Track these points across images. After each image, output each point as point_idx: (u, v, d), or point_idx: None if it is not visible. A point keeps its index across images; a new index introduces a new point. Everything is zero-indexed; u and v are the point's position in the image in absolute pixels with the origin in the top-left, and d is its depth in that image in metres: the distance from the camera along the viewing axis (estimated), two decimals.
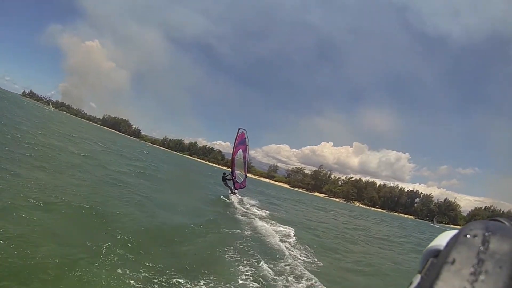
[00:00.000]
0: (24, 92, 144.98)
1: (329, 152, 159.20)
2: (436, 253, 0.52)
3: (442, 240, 0.53)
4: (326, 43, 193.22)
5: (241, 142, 25.99)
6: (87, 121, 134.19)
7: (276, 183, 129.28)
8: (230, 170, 25.15)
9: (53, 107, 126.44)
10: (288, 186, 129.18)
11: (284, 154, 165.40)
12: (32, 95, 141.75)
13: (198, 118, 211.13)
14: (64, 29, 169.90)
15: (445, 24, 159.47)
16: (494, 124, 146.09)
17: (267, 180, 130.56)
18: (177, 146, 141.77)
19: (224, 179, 24.88)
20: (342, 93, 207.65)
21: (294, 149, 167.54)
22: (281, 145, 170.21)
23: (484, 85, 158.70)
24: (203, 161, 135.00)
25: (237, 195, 24.57)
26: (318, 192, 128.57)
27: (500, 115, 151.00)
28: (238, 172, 25.63)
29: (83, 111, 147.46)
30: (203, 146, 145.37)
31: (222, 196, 23.45)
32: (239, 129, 25.50)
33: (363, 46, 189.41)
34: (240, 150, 26.18)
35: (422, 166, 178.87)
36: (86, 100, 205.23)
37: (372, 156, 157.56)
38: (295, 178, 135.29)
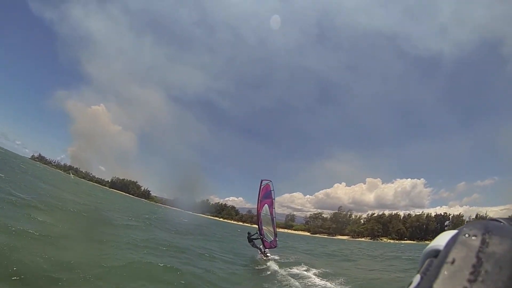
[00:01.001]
0: (33, 155, 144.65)
1: (343, 193, 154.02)
2: (435, 253, 0.51)
3: (441, 240, 0.52)
4: (325, 85, 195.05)
5: (266, 195, 23.14)
6: (96, 184, 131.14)
7: (296, 232, 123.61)
8: (257, 227, 21.89)
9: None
10: (308, 234, 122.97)
11: (298, 202, 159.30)
12: (41, 159, 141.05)
13: (208, 175, 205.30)
14: (70, 94, 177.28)
15: (435, 43, 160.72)
16: (502, 128, 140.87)
17: (285, 230, 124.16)
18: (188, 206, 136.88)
19: (250, 239, 21.69)
20: (348, 132, 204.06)
21: (308, 196, 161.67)
22: (294, 193, 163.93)
23: (484, 93, 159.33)
24: (216, 218, 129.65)
25: (269, 255, 20.62)
26: (341, 235, 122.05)
27: (506, 117, 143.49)
28: (265, 229, 22.39)
29: (91, 174, 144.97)
30: (216, 203, 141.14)
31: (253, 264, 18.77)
32: (262, 181, 22.81)
33: (362, 82, 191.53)
34: (266, 205, 23.12)
35: (440, 188, 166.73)
36: (95, 163, 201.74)
37: (387, 188, 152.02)
38: (314, 224, 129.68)
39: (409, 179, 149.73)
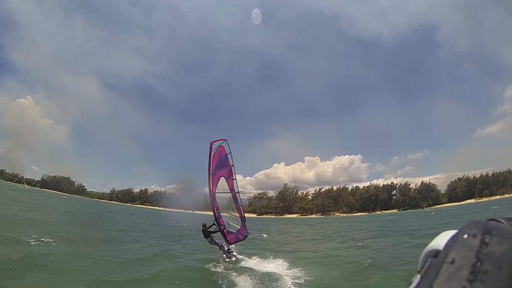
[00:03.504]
0: None
1: (283, 172, 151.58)
2: (435, 253, 0.51)
3: (441, 240, 0.52)
4: (267, 64, 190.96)
5: (220, 163, 15.34)
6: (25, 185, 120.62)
7: None
8: (213, 216, 14.72)
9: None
10: (254, 215, 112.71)
11: (239, 184, 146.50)
12: None
13: (147, 165, 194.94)
14: None
15: (375, 26, 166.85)
16: (433, 106, 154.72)
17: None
18: (126, 197, 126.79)
19: (207, 233, 14.88)
20: (289, 111, 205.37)
21: (247, 177, 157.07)
22: None
23: (418, 74, 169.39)
24: (157, 207, 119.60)
25: (235, 254, 15.22)
26: (289, 214, 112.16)
27: (436, 97, 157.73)
28: (226, 215, 15.67)
29: (19, 175, 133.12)
30: (155, 191, 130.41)
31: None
32: (212, 143, 14.69)
33: (303, 61, 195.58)
34: (222, 178, 15.70)
35: (376, 162, 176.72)
36: (27, 163, 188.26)
37: (326, 165, 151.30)
38: (260, 204, 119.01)
39: (347, 156, 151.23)
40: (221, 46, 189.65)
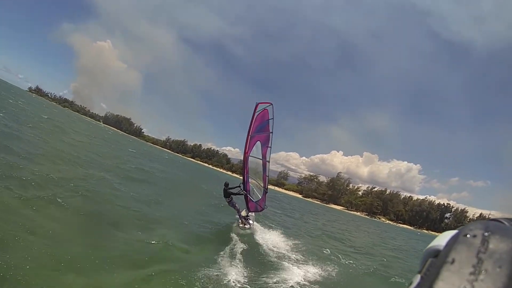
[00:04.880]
0: (30, 88, 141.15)
1: (338, 161, 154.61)
2: (436, 253, 0.51)
3: (441, 240, 0.52)
4: (347, 48, 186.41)
5: (261, 127, 14.60)
6: (89, 118, 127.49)
7: (287, 192, 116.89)
8: (242, 178, 14.20)
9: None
10: (300, 196, 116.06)
11: (293, 162, 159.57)
12: (37, 91, 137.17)
13: (208, 122, 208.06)
14: (77, 28, 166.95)
15: (469, 32, 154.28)
16: (511, 136, 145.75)
17: (276, 188, 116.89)
18: (179, 147, 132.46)
19: (228, 193, 14.57)
20: (359, 101, 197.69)
21: (303, 157, 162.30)
22: (290, 152, 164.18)
23: (504, 97, 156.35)
24: (206, 164, 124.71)
25: (251, 222, 14.92)
26: (334, 204, 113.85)
27: None
28: (253, 182, 15.10)
29: (86, 107, 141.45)
30: (207, 148, 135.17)
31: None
32: (257, 104, 13.81)
33: (385, 52, 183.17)
34: (258, 142, 15.02)
35: (433, 177, 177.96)
36: (97, 100, 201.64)
37: (382, 166, 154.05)
38: (308, 187, 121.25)
39: (405, 162, 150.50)
40: (303, 20, 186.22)
